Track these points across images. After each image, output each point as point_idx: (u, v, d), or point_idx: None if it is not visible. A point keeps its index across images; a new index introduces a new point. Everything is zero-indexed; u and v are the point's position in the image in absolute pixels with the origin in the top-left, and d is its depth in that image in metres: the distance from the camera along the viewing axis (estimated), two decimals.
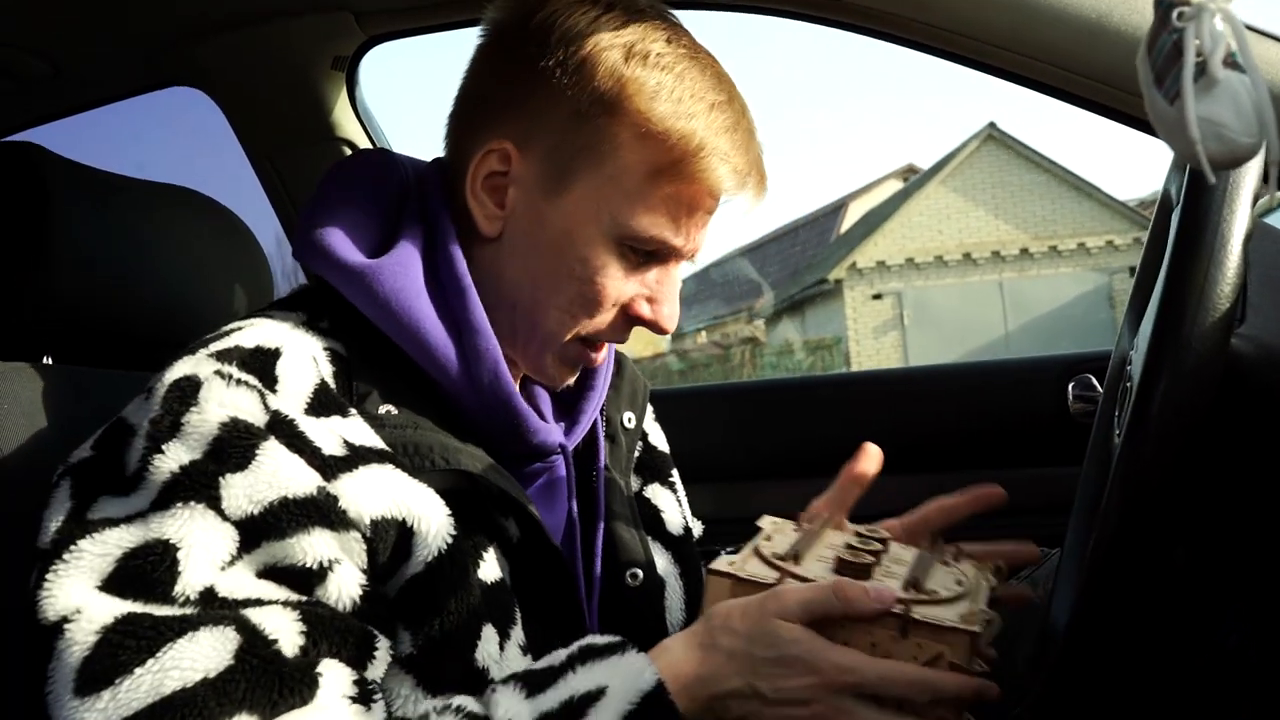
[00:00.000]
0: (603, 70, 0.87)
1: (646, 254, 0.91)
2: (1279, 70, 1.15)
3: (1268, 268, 0.88)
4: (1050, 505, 1.39)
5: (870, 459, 1.00)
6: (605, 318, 0.93)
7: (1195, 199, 0.75)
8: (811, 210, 28.20)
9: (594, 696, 0.73)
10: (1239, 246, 0.73)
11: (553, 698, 0.73)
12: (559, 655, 0.78)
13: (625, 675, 0.74)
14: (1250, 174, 0.76)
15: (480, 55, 0.95)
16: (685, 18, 0.99)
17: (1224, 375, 0.74)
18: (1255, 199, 0.76)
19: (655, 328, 0.94)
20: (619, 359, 1.13)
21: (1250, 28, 1.09)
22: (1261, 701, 0.94)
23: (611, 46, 0.87)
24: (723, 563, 0.81)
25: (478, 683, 0.80)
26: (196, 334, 0.87)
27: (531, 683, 0.76)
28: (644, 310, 0.93)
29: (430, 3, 1.46)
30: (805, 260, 25.12)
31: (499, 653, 0.82)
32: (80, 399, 1.04)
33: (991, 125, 21.18)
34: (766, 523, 0.92)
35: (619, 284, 0.91)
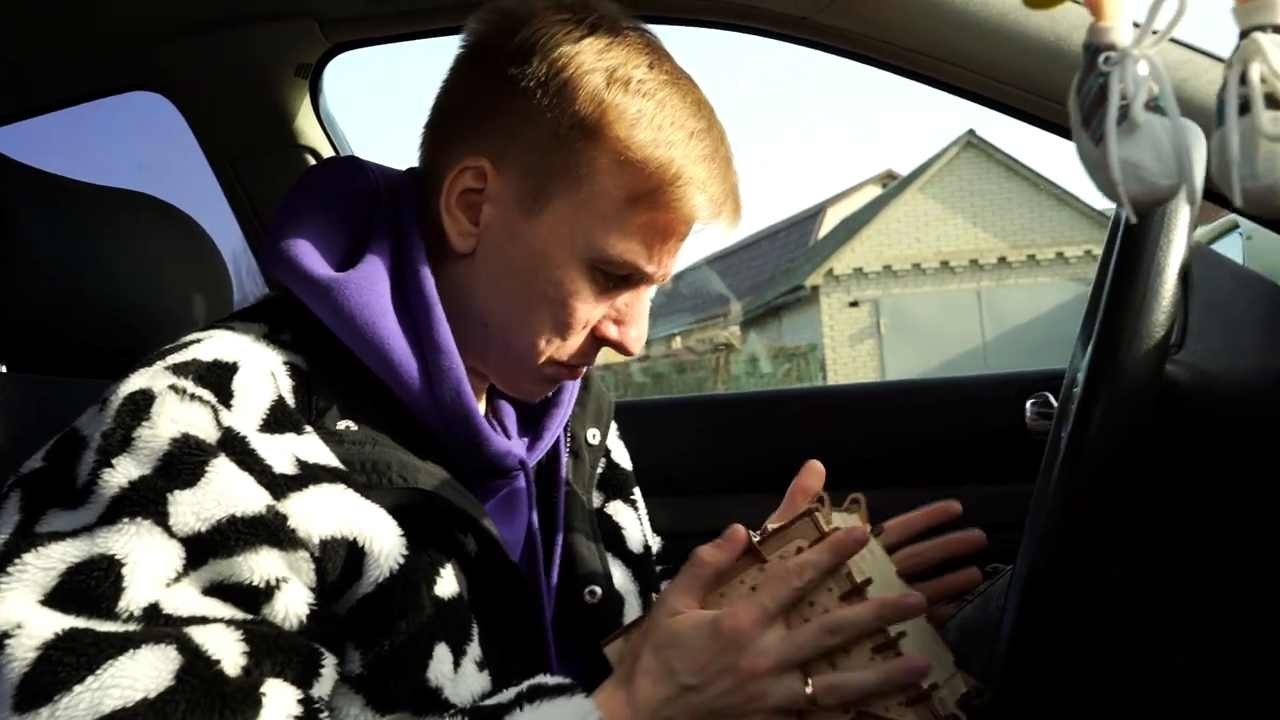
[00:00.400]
0: (584, 94, 0.87)
1: (619, 278, 0.92)
2: (1203, 82, 1.19)
3: (1210, 294, 0.90)
4: (1010, 522, 1.41)
5: (814, 475, 1.03)
6: (576, 340, 0.94)
7: (1135, 226, 0.77)
8: (790, 215, 28.25)
9: None
10: (1175, 275, 0.75)
11: None
12: (509, 693, 0.80)
13: (570, 717, 0.77)
14: (1189, 204, 0.78)
15: (459, 67, 0.95)
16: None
17: (1161, 401, 0.77)
18: (1193, 228, 0.79)
19: (621, 349, 0.95)
20: (585, 374, 1.12)
21: (1181, 43, 1.13)
22: (1206, 716, 0.97)
23: (594, 70, 0.88)
24: (613, 635, 0.88)
25: (429, 702, 0.81)
26: (155, 342, 0.87)
27: (479, 718, 0.78)
28: (611, 332, 0.94)
29: (395, 12, 1.47)
30: (783, 265, 25.18)
31: (453, 671, 0.83)
32: (35, 408, 1.04)
33: (971, 132, 21.34)
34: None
35: (589, 306, 0.92)
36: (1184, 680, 0.99)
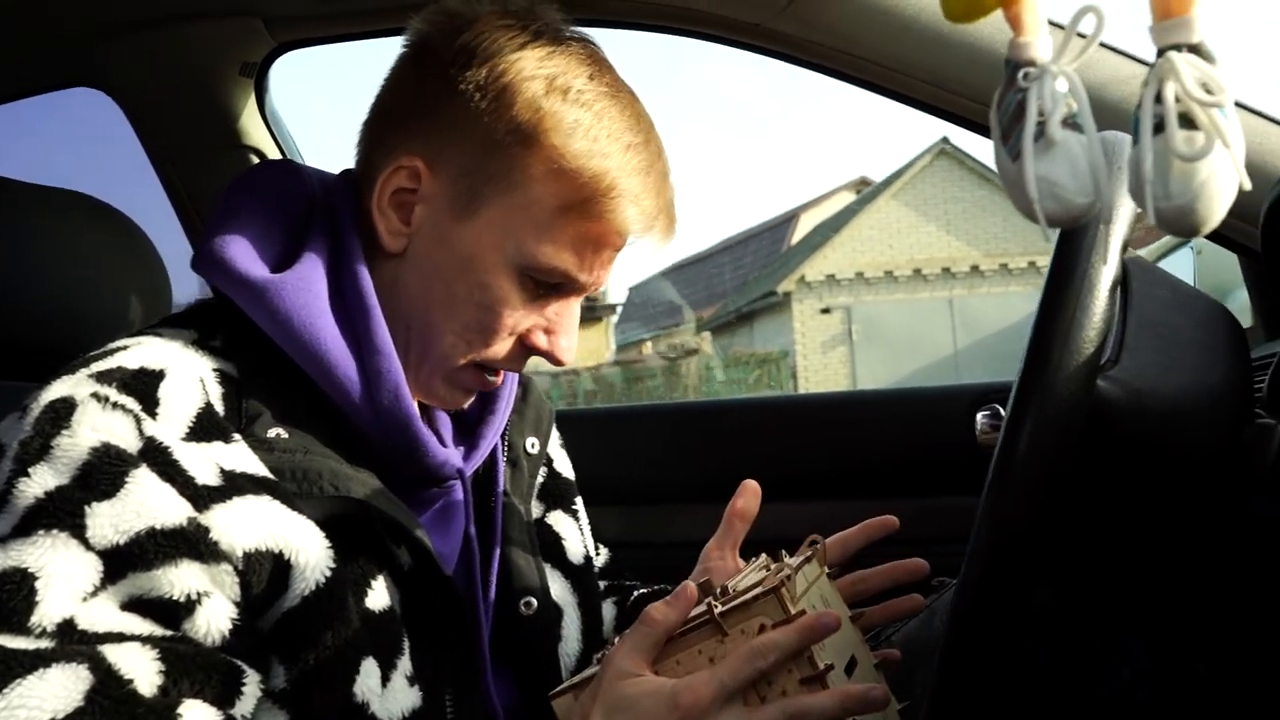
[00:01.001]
0: (522, 100, 0.88)
1: (549, 286, 0.92)
2: (1134, 87, 1.21)
3: (1148, 311, 0.91)
4: (958, 535, 1.41)
5: (750, 496, 1.05)
6: (501, 346, 0.93)
7: (1067, 243, 0.78)
8: (764, 220, 28.39)
9: None
10: (1106, 290, 0.76)
11: None
12: None
13: None
14: (1122, 220, 0.79)
15: (401, 66, 0.95)
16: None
17: (1092, 418, 0.77)
18: (1125, 246, 0.80)
19: (551, 359, 0.95)
20: (524, 382, 1.13)
21: (1110, 46, 1.14)
22: None
23: (534, 77, 0.88)
24: (562, 686, 0.86)
25: (355, 718, 0.80)
26: (89, 344, 0.85)
27: None
28: (540, 341, 0.94)
29: (342, 11, 1.46)
30: (755, 271, 25.26)
31: (380, 686, 0.82)
32: None
33: (944, 140, 21.48)
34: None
35: (517, 313, 0.92)
36: (1129, 695, 1.00)
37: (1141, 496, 0.85)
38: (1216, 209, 0.52)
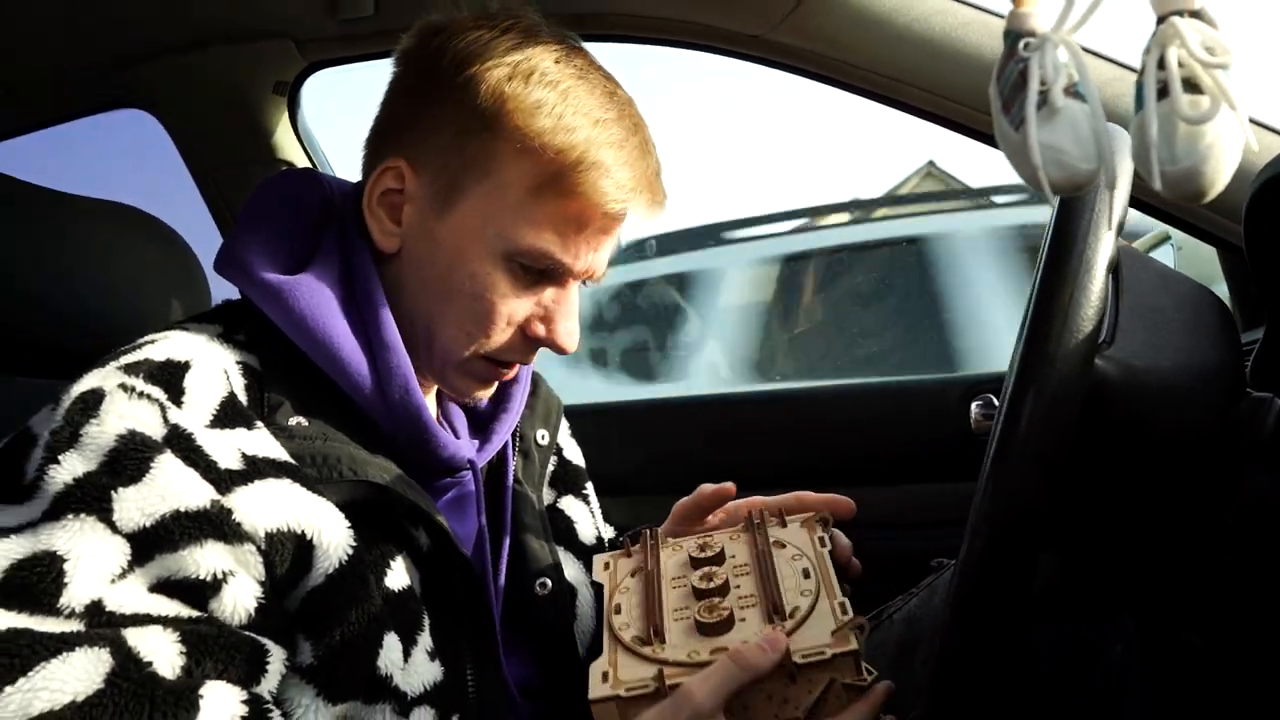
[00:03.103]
0: (486, 88, 0.85)
1: (539, 272, 0.88)
2: (1117, 89, 1.17)
3: (1139, 294, 0.87)
4: (956, 518, 1.37)
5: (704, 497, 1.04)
6: (502, 336, 0.90)
7: (1062, 227, 0.73)
8: None
9: None
10: (1103, 271, 0.71)
11: None
12: None
13: None
14: (1117, 204, 0.75)
15: (390, 83, 0.94)
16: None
17: (1090, 394, 0.73)
18: (1119, 228, 0.75)
19: (554, 346, 0.92)
20: (534, 378, 1.11)
21: (1088, 50, 1.10)
22: (1143, 708, 0.93)
23: (498, 65, 0.86)
24: (599, 685, 0.74)
25: (380, 691, 0.77)
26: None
27: None
28: (539, 330, 0.91)
29: (368, 32, 1.45)
30: None
31: (403, 660, 0.79)
32: (7, 409, 0.99)
33: (930, 163, 21.38)
34: (602, 576, 0.91)
35: (510, 302, 0.88)
36: (1122, 669, 0.96)
37: (1138, 471, 0.80)
38: (1223, 171, 0.48)
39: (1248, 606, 0.84)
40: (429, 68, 0.88)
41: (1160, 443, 0.80)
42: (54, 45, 1.42)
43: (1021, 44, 0.53)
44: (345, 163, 1.70)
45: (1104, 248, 0.72)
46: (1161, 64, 0.49)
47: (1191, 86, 0.49)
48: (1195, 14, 0.50)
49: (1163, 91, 0.49)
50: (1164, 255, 2.06)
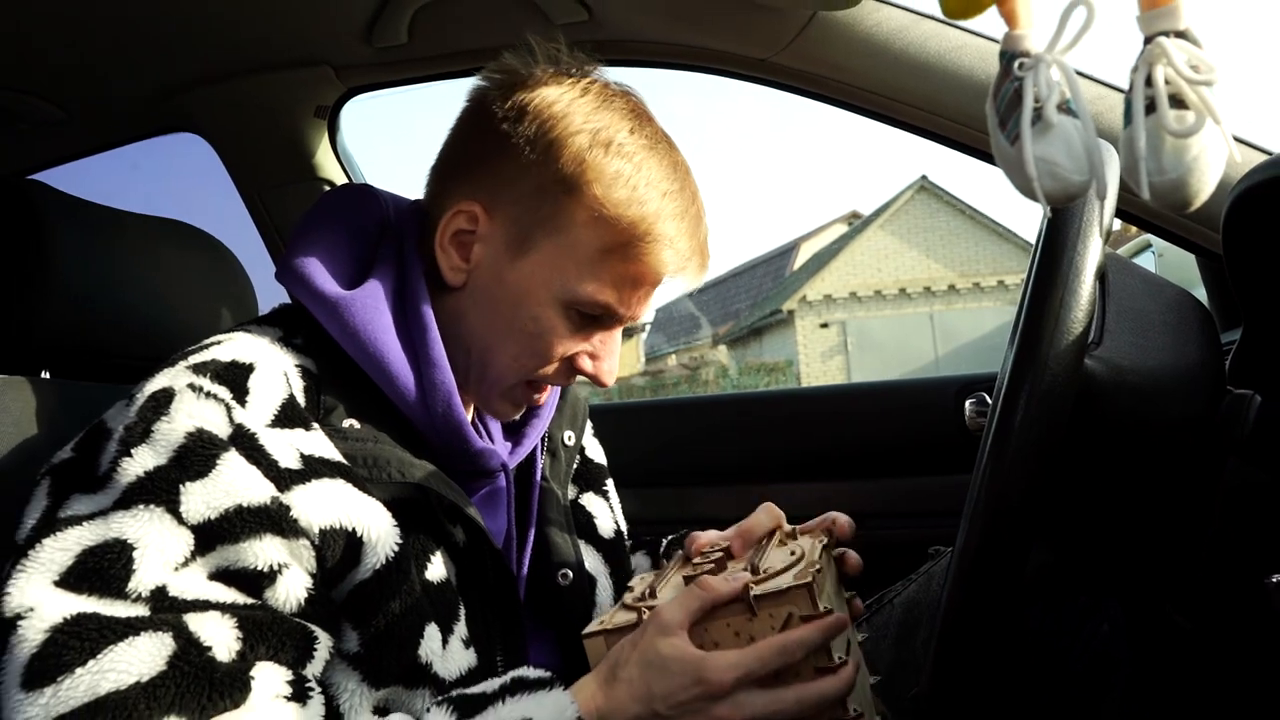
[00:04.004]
0: (568, 154, 0.85)
1: (592, 318, 0.90)
2: (1106, 107, 1.16)
3: (1124, 298, 0.87)
4: (951, 510, 1.37)
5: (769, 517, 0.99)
6: (550, 367, 0.92)
7: (1053, 236, 0.73)
8: (769, 250, 28.40)
9: None
10: (1092, 276, 0.71)
11: None
12: (493, 683, 0.77)
13: (550, 710, 0.74)
14: (1104, 213, 0.74)
15: (464, 118, 0.93)
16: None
17: (1079, 392, 0.73)
18: (1107, 235, 0.75)
19: (596, 380, 0.93)
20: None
21: (1081, 74, 1.09)
22: (1129, 683, 0.93)
23: (579, 131, 0.86)
24: (593, 625, 0.82)
25: (420, 676, 0.78)
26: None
27: (464, 707, 0.75)
28: (586, 365, 0.92)
29: (404, 59, 1.45)
30: (763, 293, 25.21)
31: (441, 648, 0.80)
32: (69, 411, 1.00)
33: (923, 178, 21.37)
34: (635, 579, 0.95)
35: (565, 341, 0.90)
36: (1108, 646, 0.95)
37: (1126, 464, 0.80)
38: (1209, 181, 0.48)
39: (1231, 591, 0.84)
40: (507, 118, 0.87)
41: (1147, 437, 0.80)
42: (110, 74, 1.43)
43: (1017, 64, 0.53)
44: (379, 181, 1.70)
45: (1092, 255, 0.72)
46: (1149, 81, 0.49)
47: (1178, 102, 0.49)
48: (1181, 34, 0.50)
49: (1150, 107, 0.49)
50: (1146, 261, 2.05)
